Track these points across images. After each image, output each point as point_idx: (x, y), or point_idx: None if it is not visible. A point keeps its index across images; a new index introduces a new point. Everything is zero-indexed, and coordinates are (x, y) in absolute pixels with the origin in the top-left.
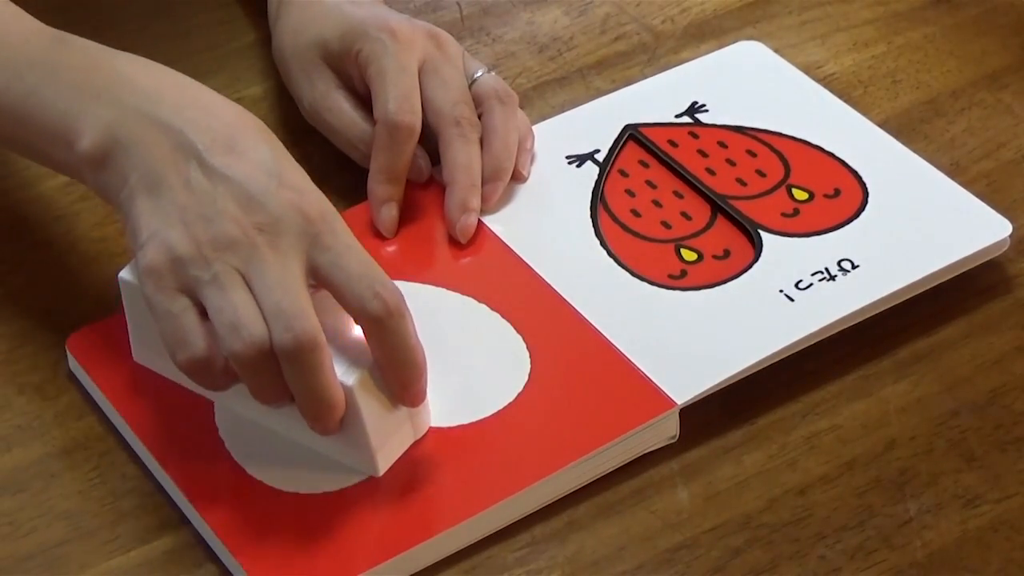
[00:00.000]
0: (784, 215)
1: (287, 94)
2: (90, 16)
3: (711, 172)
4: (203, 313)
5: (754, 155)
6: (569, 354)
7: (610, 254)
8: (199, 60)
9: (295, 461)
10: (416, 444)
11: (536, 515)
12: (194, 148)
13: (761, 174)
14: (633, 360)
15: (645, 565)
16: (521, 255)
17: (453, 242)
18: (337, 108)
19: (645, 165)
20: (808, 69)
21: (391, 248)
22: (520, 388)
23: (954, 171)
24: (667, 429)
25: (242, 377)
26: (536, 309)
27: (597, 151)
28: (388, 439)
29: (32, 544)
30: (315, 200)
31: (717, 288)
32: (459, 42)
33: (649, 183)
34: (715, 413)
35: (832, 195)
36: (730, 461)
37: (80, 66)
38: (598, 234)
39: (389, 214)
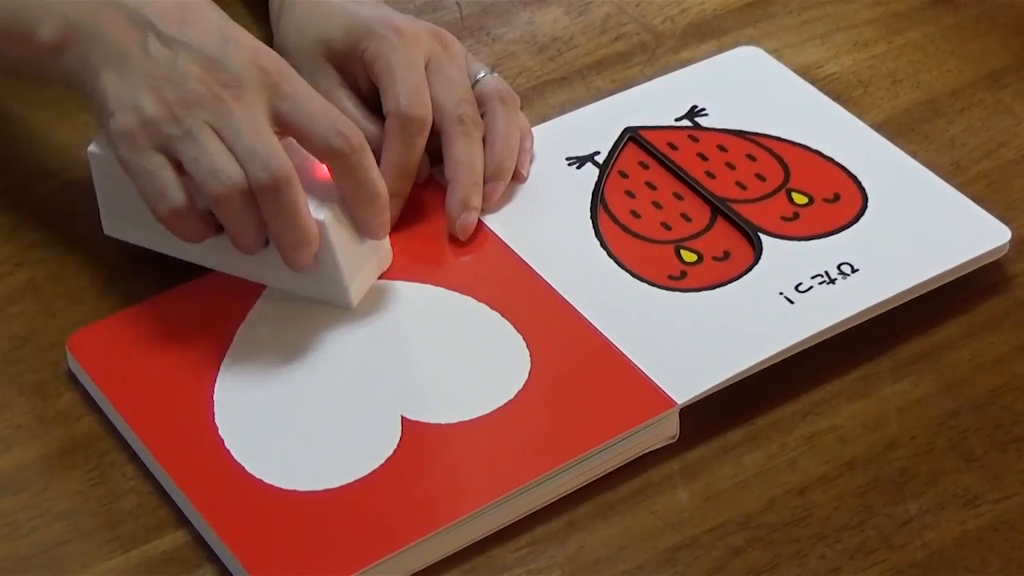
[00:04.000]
0: (784, 219)
1: None
2: None
3: (711, 175)
4: (178, 169)
5: (754, 159)
6: (569, 353)
7: (610, 255)
8: None
9: (295, 459)
10: (415, 442)
11: (536, 515)
12: (148, 20)
13: (761, 178)
14: (633, 360)
15: (645, 565)
16: (521, 255)
17: (453, 242)
18: (340, 106)
19: (645, 167)
20: (808, 69)
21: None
22: (520, 387)
23: (954, 171)
24: (667, 429)
25: (222, 221)
26: (536, 309)
27: (597, 153)
28: (359, 271)
29: (32, 544)
30: (269, 54)
31: (717, 290)
32: None
33: (649, 184)
34: (715, 413)
35: (832, 199)
36: (730, 461)
37: None
38: (598, 235)
39: (394, 212)
